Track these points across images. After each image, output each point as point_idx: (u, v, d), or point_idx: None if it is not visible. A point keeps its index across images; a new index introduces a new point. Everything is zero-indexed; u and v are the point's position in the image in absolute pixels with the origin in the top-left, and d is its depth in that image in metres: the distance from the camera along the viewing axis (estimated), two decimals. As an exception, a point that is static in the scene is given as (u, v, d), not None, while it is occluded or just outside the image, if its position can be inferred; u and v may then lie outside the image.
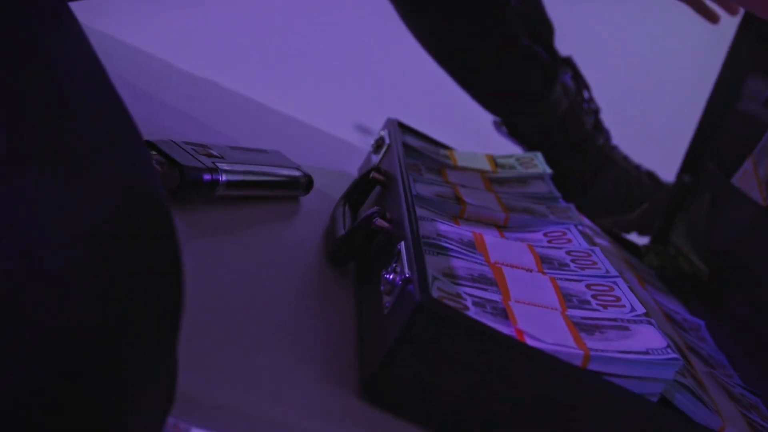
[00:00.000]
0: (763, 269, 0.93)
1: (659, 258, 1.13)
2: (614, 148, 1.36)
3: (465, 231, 0.83)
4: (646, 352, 0.64)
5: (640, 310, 0.71)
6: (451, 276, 0.71)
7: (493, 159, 1.09)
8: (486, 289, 0.70)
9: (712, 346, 0.91)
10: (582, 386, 0.61)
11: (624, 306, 0.72)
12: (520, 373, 0.61)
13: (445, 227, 0.81)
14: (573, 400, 0.61)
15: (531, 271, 0.77)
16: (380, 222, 0.77)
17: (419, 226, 0.76)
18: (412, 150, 1.03)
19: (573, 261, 0.81)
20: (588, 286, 0.75)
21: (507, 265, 0.76)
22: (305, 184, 0.95)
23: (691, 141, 1.15)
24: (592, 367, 0.62)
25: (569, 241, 0.87)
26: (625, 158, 1.36)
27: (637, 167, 1.36)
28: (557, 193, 1.00)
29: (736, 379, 0.85)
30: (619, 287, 0.75)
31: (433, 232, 0.78)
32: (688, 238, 1.11)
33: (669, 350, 0.64)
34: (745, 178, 1.01)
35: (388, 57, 1.67)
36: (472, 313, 0.64)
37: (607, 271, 0.79)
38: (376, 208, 0.79)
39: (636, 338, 0.66)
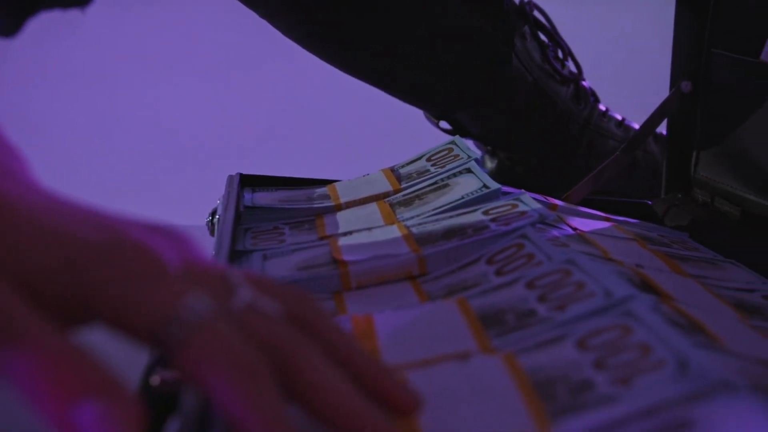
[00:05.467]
0: None
1: (685, 210, 0.76)
2: (604, 115, 0.96)
3: (341, 322, 0.45)
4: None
5: (700, 363, 0.33)
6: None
7: (393, 172, 0.72)
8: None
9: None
10: None
11: (663, 362, 0.34)
12: None
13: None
14: None
15: (466, 357, 0.39)
16: (162, 379, 0.40)
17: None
18: (264, 210, 0.66)
19: (542, 299, 0.43)
20: (581, 344, 0.38)
21: (416, 366, 0.39)
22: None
23: (676, 30, 0.77)
24: None
25: (530, 257, 0.49)
26: (621, 124, 0.97)
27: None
28: (494, 183, 0.62)
29: None
30: (637, 319, 0.38)
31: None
32: (728, 170, 0.73)
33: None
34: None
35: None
36: None
37: (608, 293, 0.41)
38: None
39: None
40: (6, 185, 0.33)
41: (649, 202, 0.79)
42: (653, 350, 0.35)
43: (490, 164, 0.97)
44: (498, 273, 0.49)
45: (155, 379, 0.40)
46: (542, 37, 0.95)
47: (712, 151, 0.74)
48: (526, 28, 0.92)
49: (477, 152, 0.69)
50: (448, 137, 0.91)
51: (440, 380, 0.37)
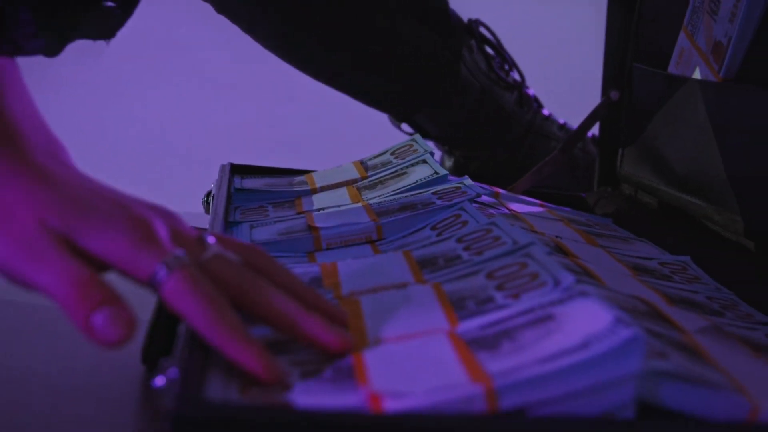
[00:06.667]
0: (748, 166, 0.68)
1: (613, 201, 0.88)
2: (547, 119, 1.10)
3: (311, 267, 0.57)
4: (584, 345, 0.38)
5: (567, 280, 0.46)
6: (280, 343, 0.45)
7: (362, 164, 0.84)
8: (329, 343, 0.44)
9: (711, 283, 0.65)
10: (501, 442, 0.36)
11: (544, 284, 0.47)
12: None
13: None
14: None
15: (404, 286, 0.51)
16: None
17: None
18: (251, 192, 0.78)
19: (466, 248, 0.56)
20: (490, 276, 0.50)
21: (367, 292, 0.51)
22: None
23: (606, 46, 0.90)
24: (507, 403, 0.37)
25: (464, 223, 0.62)
26: (563, 127, 1.11)
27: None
28: (443, 170, 0.75)
29: (758, 315, 0.60)
30: (533, 259, 0.50)
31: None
32: (646, 166, 0.85)
33: (620, 327, 0.39)
34: (685, 59, 0.76)
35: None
36: (297, 392, 0.39)
37: (515, 242, 0.54)
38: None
39: (566, 328, 0.41)
40: (55, 165, 0.47)
41: (583, 195, 0.91)
42: (539, 276, 0.47)
43: (448, 162, 1.10)
44: (438, 235, 0.62)
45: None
46: (488, 50, 1.09)
47: (635, 151, 0.87)
48: (473, 42, 1.06)
49: (436, 151, 0.81)
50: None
51: (384, 300, 0.49)
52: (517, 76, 1.11)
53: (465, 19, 1.09)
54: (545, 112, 1.10)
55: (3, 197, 0.45)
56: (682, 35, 0.75)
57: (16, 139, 0.49)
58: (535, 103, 1.10)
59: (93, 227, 0.45)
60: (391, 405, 0.36)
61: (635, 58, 0.86)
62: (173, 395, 0.36)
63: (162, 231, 0.45)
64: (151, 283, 0.44)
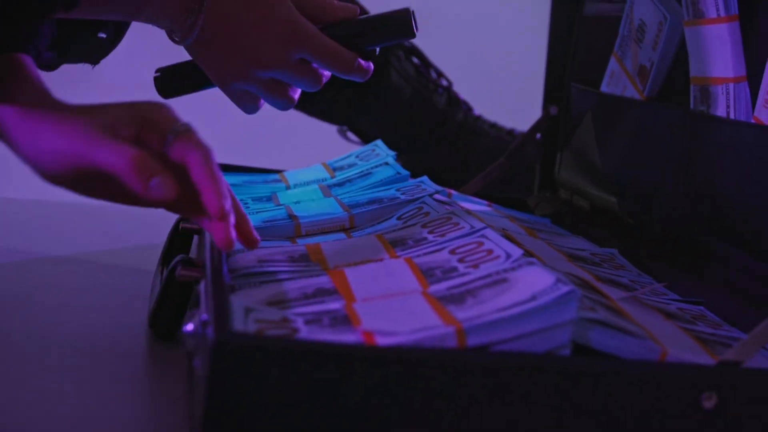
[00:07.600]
0: (665, 173, 0.80)
1: (551, 204, 0.99)
2: (478, 119, 1.23)
3: (297, 246, 0.67)
4: (532, 298, 0.49)
5: (517, 253, 0.56)
6: (280, 302, 0.55)
7: (329, 165, 0.94)
8: (323, 301, 0.54)
9: (634, 271, 0.77)
10: (469, 371, 0.46)
11: (498, 257, 0.57)
12: (384, 386, 0.45)
13: (269, 251, 0.65)
14: (465, 395, 0.46)
15: (381, 260, 0.62)
16: (183, 272, 0.62)
17: (233, 260, 0.61)
18: (232, 187, 0.87)
19: (431, 232, 0.66)
20: (452, 252, 0.60)
21: (350, 265, 0.61)
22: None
23: (547, 67, 1.02)
24: (473, 341, 0.47)
25: (426, 214, 0.72)
26: (494, 125, 1.23)
27: (510, 132, 1.23)
28: (405, 171, 0.85)
29: (671, 295, 0.71)
30: (488, 239, 0.61)
31: (252, 260, 0.63)
32: (580, 173, 0.97)
33: (560, 285, 0.49)
34: (615, 80, 0.88)
35: None
36: (304, 333, 0.48)
37: (472, 227, 0.64)
38: (179, 256, 0.64)
39: (517, 287, 0.51)
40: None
41: (525, 198, 1.03)
42: (494, 251, 0.58)
43: (396, 167, 1.22)
44: (404, 224, 0.72)
45: (179, 274, 0.61)
46: (415, 60, 1.22)
47: (571, 159, 0.98)
48: (401, 53, 1.19)
49: (391, 152, 0.92)
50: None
51: (366, 270, 0.59)
52: (444, 83, 1.23)
53: None
54: (475, 113, 1.23)
55: (65, 118, 0.58)
56: (612, 59, 0.87)
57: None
58: (465, 105, 1.22)
59: (126, 119, 0.58)
60: (382, 341, 0.46)
61: (572, 78, 0.97)
62: (212, 330, 0.46)
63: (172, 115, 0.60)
64: (166, 145, 0.57)
